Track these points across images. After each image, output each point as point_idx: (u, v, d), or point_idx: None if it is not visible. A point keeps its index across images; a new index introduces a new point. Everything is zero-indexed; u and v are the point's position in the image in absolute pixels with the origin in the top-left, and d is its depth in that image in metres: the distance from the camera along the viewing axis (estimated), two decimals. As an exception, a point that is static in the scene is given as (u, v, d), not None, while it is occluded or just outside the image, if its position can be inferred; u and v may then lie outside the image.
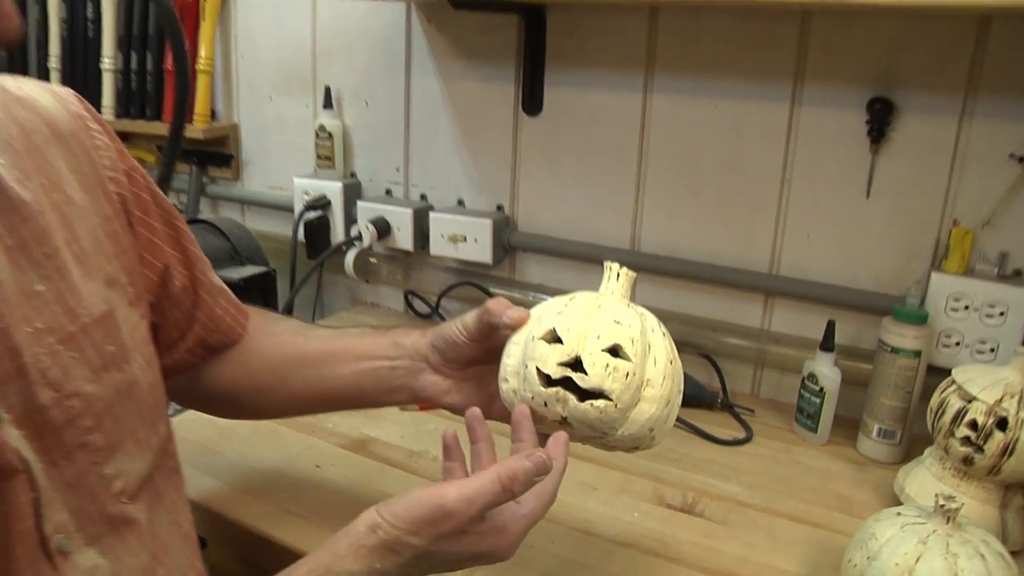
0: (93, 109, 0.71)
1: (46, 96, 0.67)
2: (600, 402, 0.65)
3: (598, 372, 0.65)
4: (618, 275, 0.74)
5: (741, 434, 1.17)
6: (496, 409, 0.77)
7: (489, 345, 0.76)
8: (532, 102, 1.38)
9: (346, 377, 0.82)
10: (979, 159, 1.09)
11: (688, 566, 0.87)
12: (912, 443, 1.09)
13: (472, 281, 1.49)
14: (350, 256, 1.54)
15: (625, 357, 0.66)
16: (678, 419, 1.15)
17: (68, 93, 0.69)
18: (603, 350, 0.66)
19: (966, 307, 1.09)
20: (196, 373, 0.84)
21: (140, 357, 0.67)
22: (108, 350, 0.62)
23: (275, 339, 0.88)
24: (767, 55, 1.18)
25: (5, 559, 0.53)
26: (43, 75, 1.94)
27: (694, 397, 1.24)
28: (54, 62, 1.92)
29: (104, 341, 0.62)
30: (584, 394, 0.65)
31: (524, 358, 0.69)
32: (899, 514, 0.79)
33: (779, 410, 1.25)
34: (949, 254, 1.11)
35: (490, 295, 1.46)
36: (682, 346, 1.27)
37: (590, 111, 1.34)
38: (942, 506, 0.75)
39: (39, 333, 0.57)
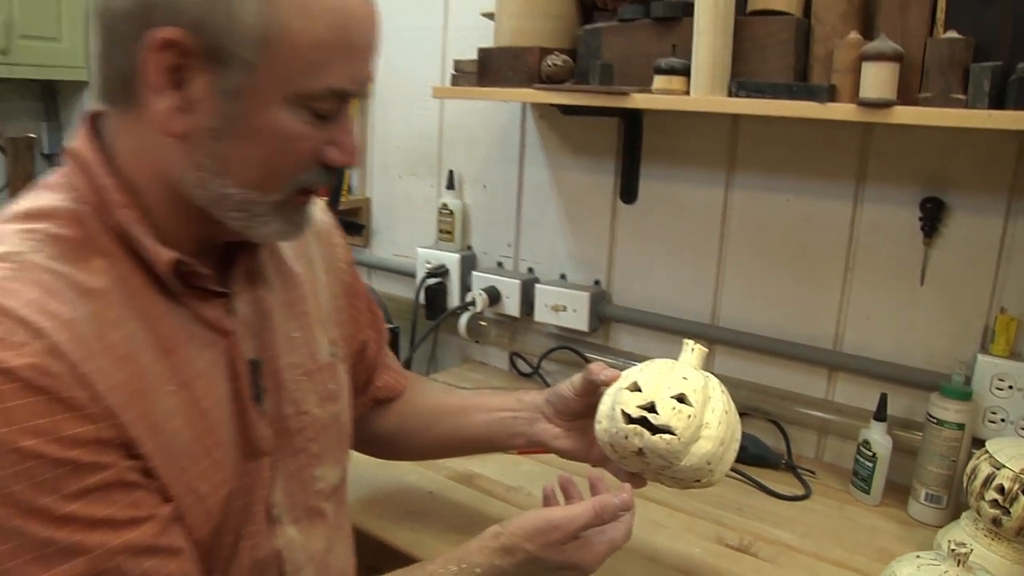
0: (335, 219, 0.99)
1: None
2: (667, 436, 0.83)
3: (667, 413, 0.83)
4: (692, 349, 0.93)
5: (800, 492, 1.31)
6: (594, 454, 0.98)
7: (591, 400, 0.95)
8: (628, 192, 1.59)
9: (479, 425, 1.05)
10: (1023, 253, 1.22)
11: (737, 593, 1.02)
12: (959, 508, 1.20)
13: (570, 346, 1.69)
14: (464, 319, 1.76)
15: (688, 403, 0.84)
16: (744, 475, 1.32)
17: (323, 206, 0.98)
18: (671, 397, 0.84)
19: (1010, 387, 1.21)
20: (364, 421, 1.09)
21: (345, 399, 0.92)
22: (330, 388, 0.88)
23: (425, 395, 1.13)
24: (833, 158, 1.36)
25: (249, 512, 0.77)
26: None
27: (761, 457, 1.38)
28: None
29: (327, 381, 0.88)
30: (656, 430, 0.84)
31: (613, 404, 0.88)
32: (918, 556, 0.93)
33: (839, 474, 1.37)
34: (995, 338, 1.23)
35: (586, 359, 1.64)
36: (752, 411, 1.44)
37: (679, 201, 1.54)
38: (953, 550, 0.89)
39: (292, 366, 0.83)
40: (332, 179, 0.76)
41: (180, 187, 0.70)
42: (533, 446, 1.03)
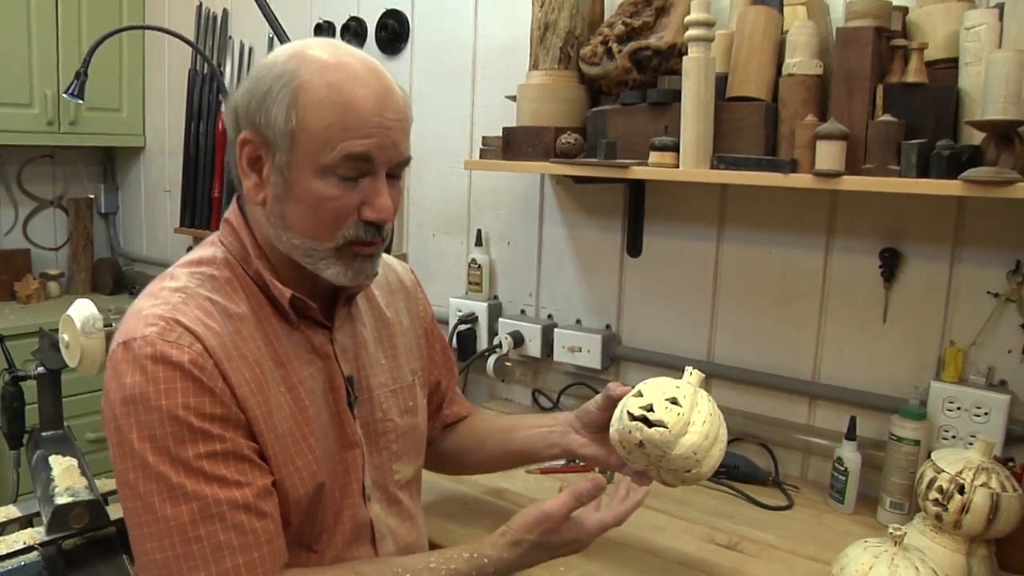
0: (417, 277, 1.28)
1: (398, 265, 1.25)
2: (661, 429, 1.06)
3: (661, 411, 1.06)
4: (691, 372, 1.16)
5: (784, 503, 1.51)
6: (613, 459, 1.20)
7: (610, 414, 1.17)
8: (634, 247, 1.83)
9: (522, 440, 1.29)
10: (967, 295, 1.44)
11: (723, 579, 1.23)
12: (918, 512, 1.40)
13: (585, 382, 1.92)
14: (491, 360, 1.99)
15: (679, 405, 1.07)
16: (735, 489, 1.52)
17: (407, 266, 1.28)
18: (665, 399, 1.07)
19: (959, 408, 1.42)
20: (436, 443, 1.34)
21: (422, 415, 1.19)
22: (409, 404, 1.15)
23: (480, 419, 1.39)
24: (806, 217, 1.59)
25: (348, 488, 1.03)
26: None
27: (751, 475, 1.59)
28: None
29: (408, 399, 1.14)
30: (652, 425, 1.06)
31: (622, 408, 1.11)
32: (866, 542, 1.13)
33: (820, 489, 1.58)
34: (946, 367, 1.45)
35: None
36: (744, 435, 1.65)
37: (678, 255, 1.78)
38: (891, 534, 1.10)
39: (380, 384, 1.10)
40: (376, 233, 0.98)
41: (273, 242, 0.98)
42: (565, 455, 1.26)
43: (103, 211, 3.38)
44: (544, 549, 1.05)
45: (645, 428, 1.06)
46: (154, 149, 3.19)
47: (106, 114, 3.05)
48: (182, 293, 0.94)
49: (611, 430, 1.13)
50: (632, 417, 1.08)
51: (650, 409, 1.07)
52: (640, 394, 1.10)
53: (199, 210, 2.87)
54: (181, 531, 0.86)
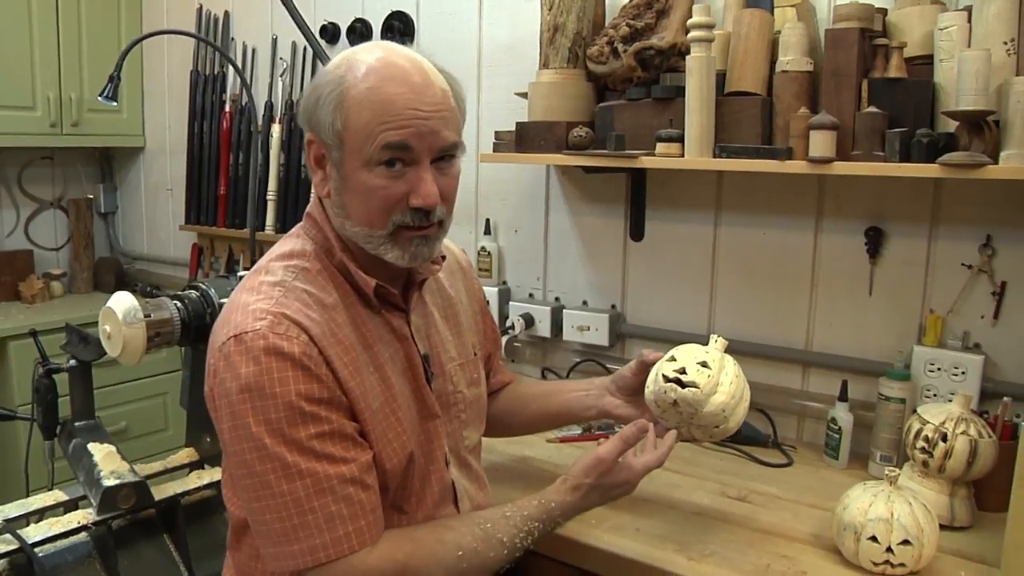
0: (471, 261, 1.40)
1: (457, 250, 1.37)
2: (694, 389, 1.20)
3: (693, 373, 1.21)
4: (716, 340, 1.30)
5: (784, 461, 1.67)
6: (647, 418, 1.30)
7: (643, 378, 1.31)
8: (637, 232, 1.97)
9: (560, 403, 1.43)
10: (943, 267, 1.60)
11: (737, 525, 1.38)
12: (906, 462, 1.56)
13: (593, 359, 2.06)
14: (503, 341, 2.12)
15: (709, 368, 1.21)
16: (740, 450, 1.66)
17: (462, 248, 1.40)
18: (697, 363, 1.22)
19: (939, 369, 1.58)
20: None
21: (483, 385, 1.31)
22: (474, 376, 1.27)
23: (522, 385, 1.52)
24: (797, 200, 1.74)
25: (432, 455, 1.15)
26: (262, 205, 2.70)
27: (752, 438, 1.74)
28: (271, 195, 2.66)
29: (472, 371, 1.27)
30: (685, 386, 1.20)
31: (657, 371, 1.25)
32: (865, 484, 1.29)
33: (815, 449, 1.73)
34: (926, 333, 1.61)
35: (607, 370, 2.01)
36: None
37: (678, 238, 1.92)
38: (887, 475, 1.25)
39: (451, 358, 1.22)
40: (424, 218, 1.06)
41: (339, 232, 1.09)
42: (601, 416, 1.40)
43: (103, 211, 3.45)
44: (600, 491, 1.18)
45: (679, 389, 1.20)
46: (154, 149, 3.27)
47: (107, 115, 3.12)
48: (281, 287, 1.04)
49: (647, 391, 1.26)
50: (667, 379, 1.22)
51: (683, 372, 1.21)
52: (673, 359, 1.24)
53: (204, 208, 2.96)
54: (297, 504, 0.98)
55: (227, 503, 1.16)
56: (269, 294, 1.03)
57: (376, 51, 1.07)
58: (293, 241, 1.13)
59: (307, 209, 1.15)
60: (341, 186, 1.06)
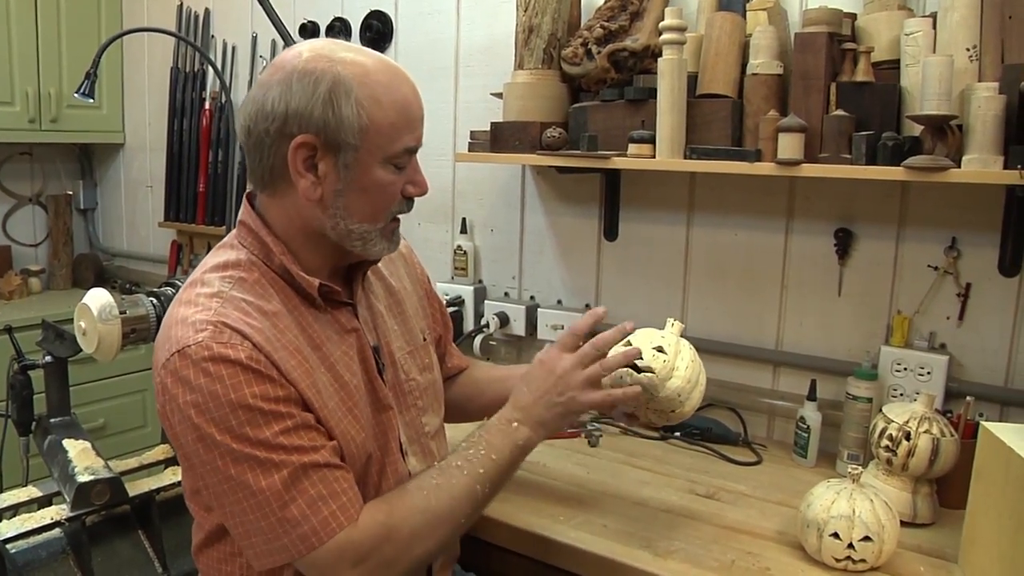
0: (411, 247, 1.40)
1: None
2: (649, 374, 1.21)
3: (648, 358, 1.22)
4: (672, 323, 1.32)
5: (754, 459, 1.68)
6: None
7: None
8: (611, 232, 1.98)
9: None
10: (910, 269, 1.63)
11: (704, 522, 1.40)
12: (871, 460, 1.58)
13: (567, 358, 2.07)
14: (478, 339, 2.14)
15: (664, 352, 1.23)
16: (710, 448, 1.68)
17: (402, 236, 1.37)
18: (652, 348, 1.23)
19: (905, 368, 1.61)
20: None
21: (437, 370, 1.32)
22: (426, 361, 1.28)
23: (478, 370, 1.53)
24: (768, 201, 1.76)
25: (388, 447, 1.15)
26: (240, 203, 2.67)
27: (723, 436, 1.75)
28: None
29: (424, 357, 1.28)
30: (640, 371, 1.21)
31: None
32: (828, 482, 1.31)
33: (784, 447, 1.75)
34: (893, 333, 1.63)
35: (580, 368, 2.02)
36: (715, 402, 1.81)
37: (651, 238, 1.94)
38: (850, 473, 1.27)
39: (400, 348, 1.23)
40: (411, 207, 1.15)
41: (319, 232, 1.10)
42: None
43: (82, 207, 3.44)
44: (544, 404, 1.17)
45: (635, 373, 1.22)
46: (134, 145, 3.26)
47: (86, 111, 3.11)
48: (219, 298, 1.04)
49: (604, 379, 1.28)
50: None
51: (639, 357, 1.22)
52: (629, 343, 1.25)
53: (184, 205, 2.96)
54: (278, 496, 0.99)
55: (194, 515, 1.17)
56: (207, 305, 1.03)
57: (350, 49, 1.07)
58: (227, 251, 1.12)
59: (239, 217, 1.14)
60: (346, 186, 1.06)
